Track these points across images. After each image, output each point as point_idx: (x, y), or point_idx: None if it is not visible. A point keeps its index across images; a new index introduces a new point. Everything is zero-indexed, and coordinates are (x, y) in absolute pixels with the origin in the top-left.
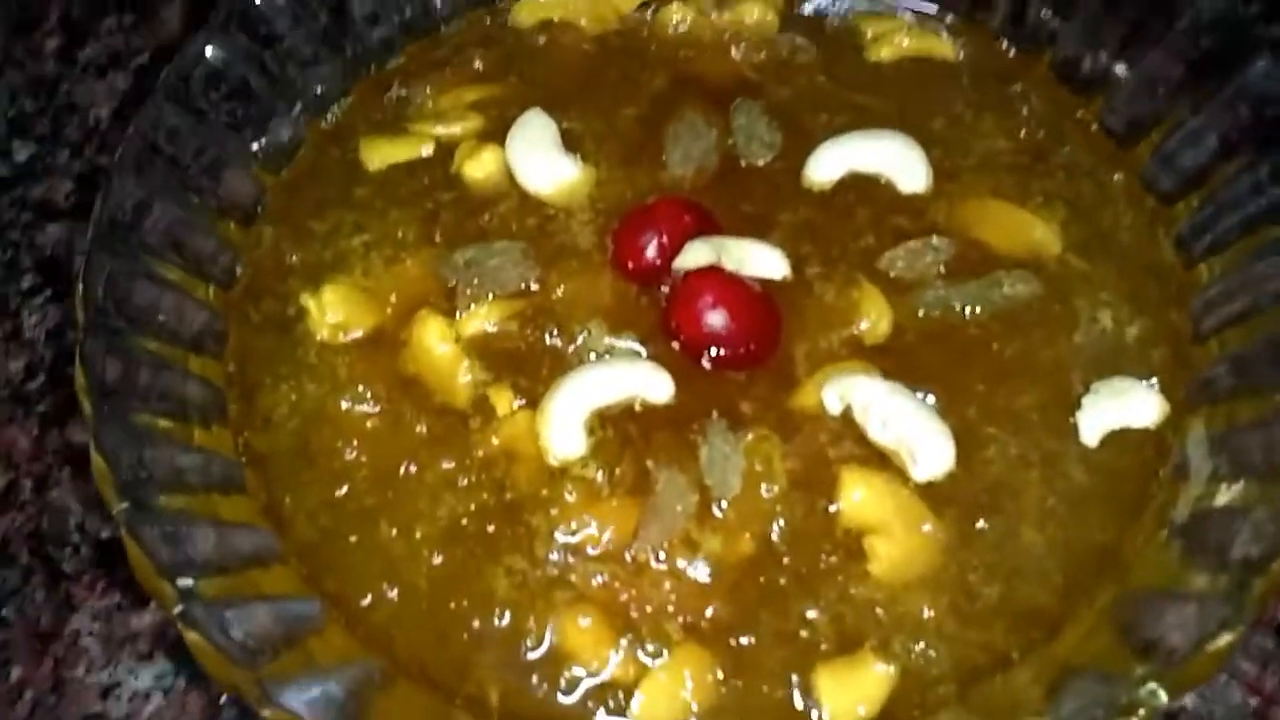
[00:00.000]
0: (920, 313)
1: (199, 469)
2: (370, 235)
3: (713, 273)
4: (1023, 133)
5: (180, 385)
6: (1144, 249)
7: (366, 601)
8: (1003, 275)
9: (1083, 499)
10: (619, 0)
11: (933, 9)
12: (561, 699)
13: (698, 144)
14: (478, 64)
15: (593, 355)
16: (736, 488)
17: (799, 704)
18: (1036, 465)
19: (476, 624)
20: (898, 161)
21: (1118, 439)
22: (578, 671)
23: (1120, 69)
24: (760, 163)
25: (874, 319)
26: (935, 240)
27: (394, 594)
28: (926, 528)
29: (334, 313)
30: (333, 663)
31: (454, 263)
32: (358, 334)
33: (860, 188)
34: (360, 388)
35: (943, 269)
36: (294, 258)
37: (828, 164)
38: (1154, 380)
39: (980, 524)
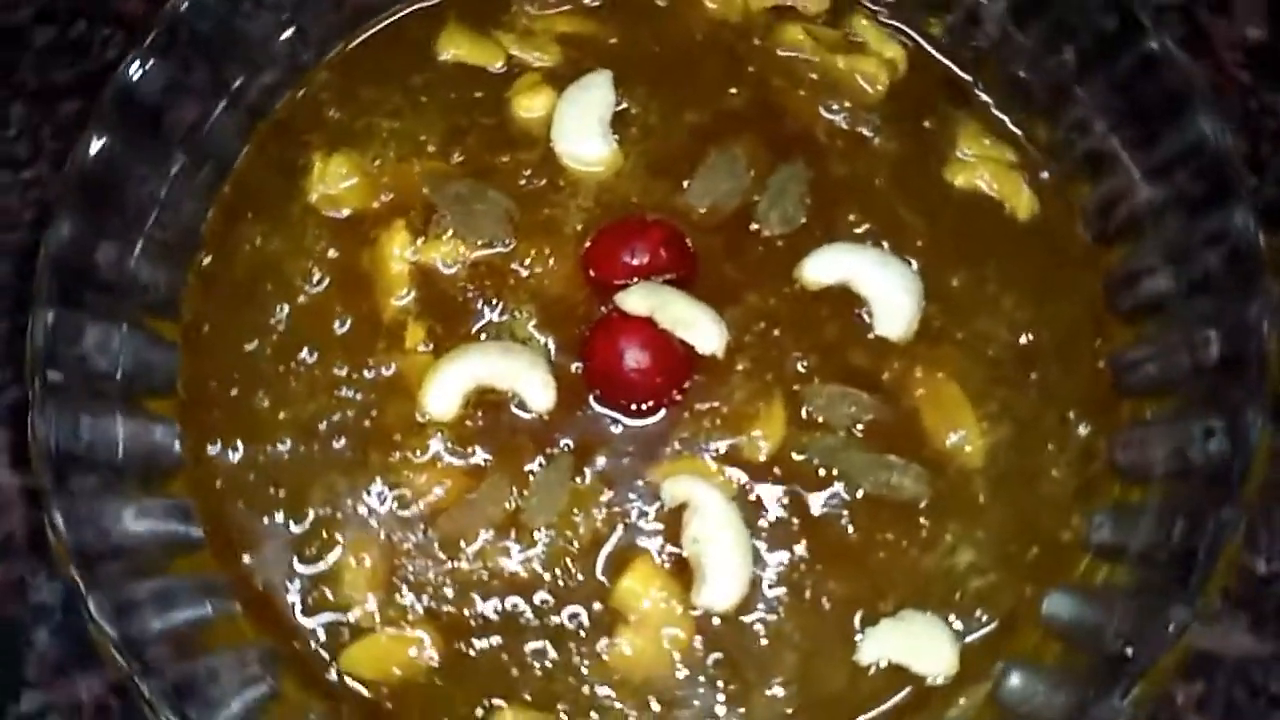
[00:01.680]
0: (803, 456)
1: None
2: (400, 125)
3: (641, 324)
4: (1027, 336)
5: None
6: (1048, 519)
7: (214, 449)
8: (898, 463)
9: (820, 707)
10: None
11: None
12: (302, 618)
13: (726, 185)
14: (591, 0)
15: (509, 337)
16: (543, 521)
17: None
18: (800, 652)
19: (279, 516)
20: (890, 301)
21: (890, 674)
22: (330, 600)
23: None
24: (769, 232)
25: (763, 440)
26: (865, 398)
27: (236, 455)
28: (675, 650)
29: (332, 183)
30: None
31: (448, 190)
32: (339, 213)
33: (840, 305)
34: (312, 262)
35: (857, 428)
36: (332, 112)
37: (826, 267)
38: (967, 640)
39: (715, 671)
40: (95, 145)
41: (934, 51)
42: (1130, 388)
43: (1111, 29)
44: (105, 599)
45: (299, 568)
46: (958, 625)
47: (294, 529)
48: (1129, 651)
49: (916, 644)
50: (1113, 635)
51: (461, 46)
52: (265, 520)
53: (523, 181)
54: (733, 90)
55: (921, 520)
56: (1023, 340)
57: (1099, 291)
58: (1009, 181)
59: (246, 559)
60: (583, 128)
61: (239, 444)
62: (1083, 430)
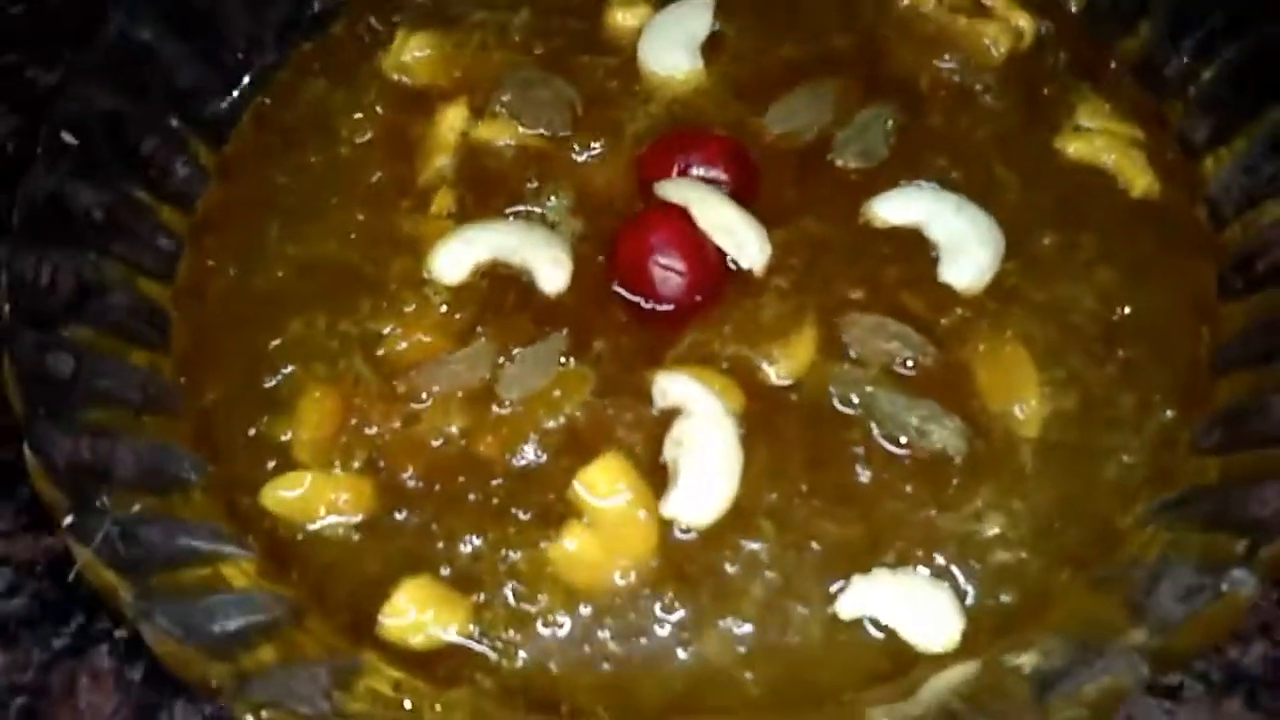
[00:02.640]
0: (830, 389)
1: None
2: (490, 15)
3: (678, 220)
4: (1121, 310)
5: None
6: (1104, 503)
7: (211, 263)
8: (934, 409)
9: (780, 654)
10: None
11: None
12: (250, 432)
13: (807, 114)
14: None
15: (539, 215)
16: (517, 394)
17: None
18: (770, 589)
19: (259, 337)
20: (962, 248)
21: (871, 635)
22: (274, 429)
23: None
24: (843, 164)
25: (785, 365)
26: (911, 334)
27: (231, 273)
28: (624, 560)
29: (410, 53)
30: None
31: (517, 75)
32: (409, 82)
33: (907, 248)
34: (365, 118)
35: (901, 366)
36: (421, 3)
37: (898, 207)
38: (976, 614)
39: (665, 588)
40: None
41: (1066, 26)
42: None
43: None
44: (39, 344)
45: (254, 389)
46: (969, 596)
47: (262, 351)
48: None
49: (912, 606)
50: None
51: None
52: (238, 341)
53: (596, 79)
54: (837, 30)
55: (951, 479)
56: (1115, 315)
57: (1212, 281)
58: (1128, 157)
59: (207, 374)
60: (672, 40)
61: (235, 267)
62: (1167, 414)
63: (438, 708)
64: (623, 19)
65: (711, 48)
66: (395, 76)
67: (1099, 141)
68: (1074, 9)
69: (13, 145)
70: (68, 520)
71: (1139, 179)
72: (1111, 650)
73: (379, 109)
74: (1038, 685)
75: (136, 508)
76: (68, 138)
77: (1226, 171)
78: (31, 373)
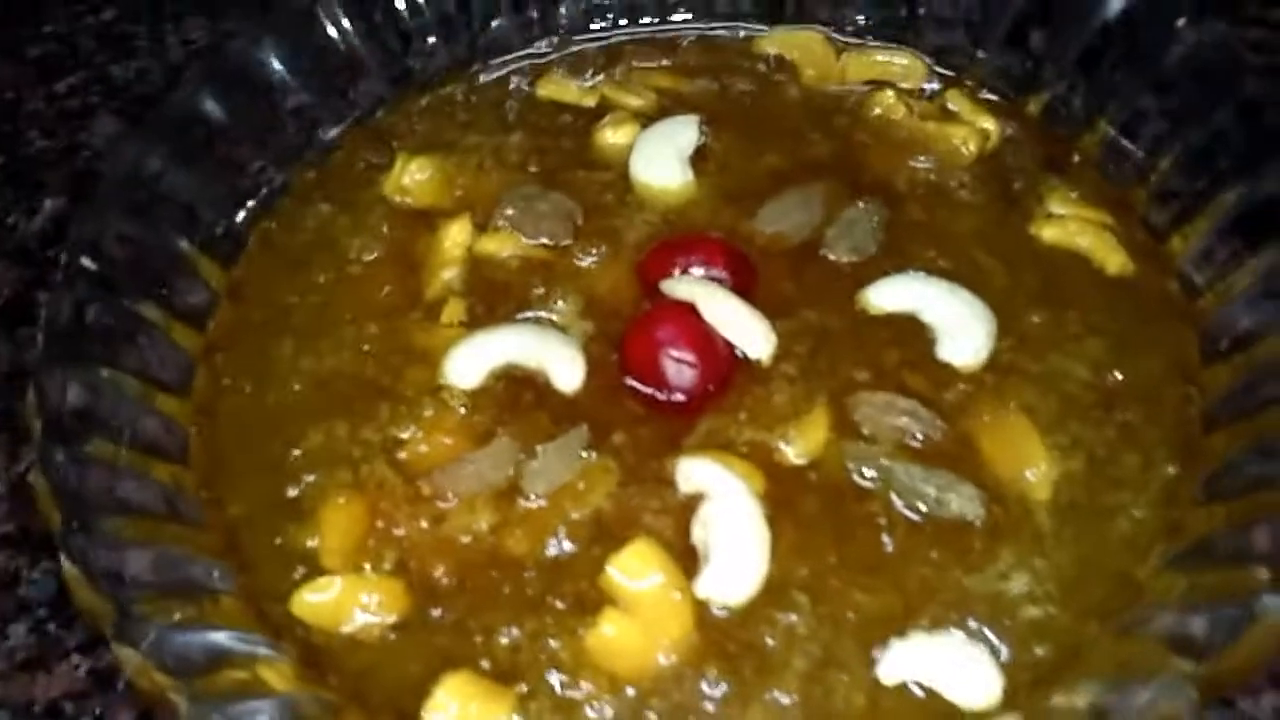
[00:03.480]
0: (848, 465)
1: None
2: (485, 139)
3: (686, 316)
4: (1113, 376)
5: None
6: (1120, 557)
7: (227, 382)
8: (950, 478)
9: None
10: (850, 67)
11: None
12: (276, 541)
13: (797, 216)
14: (693, 60)
15: (549, 319)
16: (543, 488)
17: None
18: (812, 660)
19: (273, 449)
20: (959, 329)
21: (915, 698)
22: (300, 537)
23: None
24: (835, 259)
25: (801, 445)
26: (921, 411)
27: (247, 390)
28: (663, 641)
29: (410, 176)
30: None
31: (517, 191)
32: (411, 203)
33: (904, 331)
34: (372, 238)
35: (912, 440)
36: (419, 127)
37: (893, 293)
38: (1012, 669)
39: (708, 667)
40: (202, 98)
41: (1027, 127)
42: (1223, 423)
43: (1210, 77)
44: (68, 461)
45: (279, 499)
46: (1004, 653)
47: (284, 461)
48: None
49: (952, 666)
50: None
51: (559, 91)
52: (258, 451)
53: (592, 193)
54: (815, 138)
55: (974, 543)
56: (1108, 382)
57: (1193, 346)
58: (1100, 239)
59: (228, 485)
60: (661, 155)
61: (250, 384)
62: (1169, 470)
63: None
64: (612, 137)
65: (699, 160)
66: (397, 198)
67: (1072, 226)
68: (1033, 110)
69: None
70: (113, 627)
71: (1112, 258)
72: (1160, 679)
73: (385, 228)
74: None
75: (177, 616)
76: (87, 263)
77: (1192, 248)
78: (64, 488)
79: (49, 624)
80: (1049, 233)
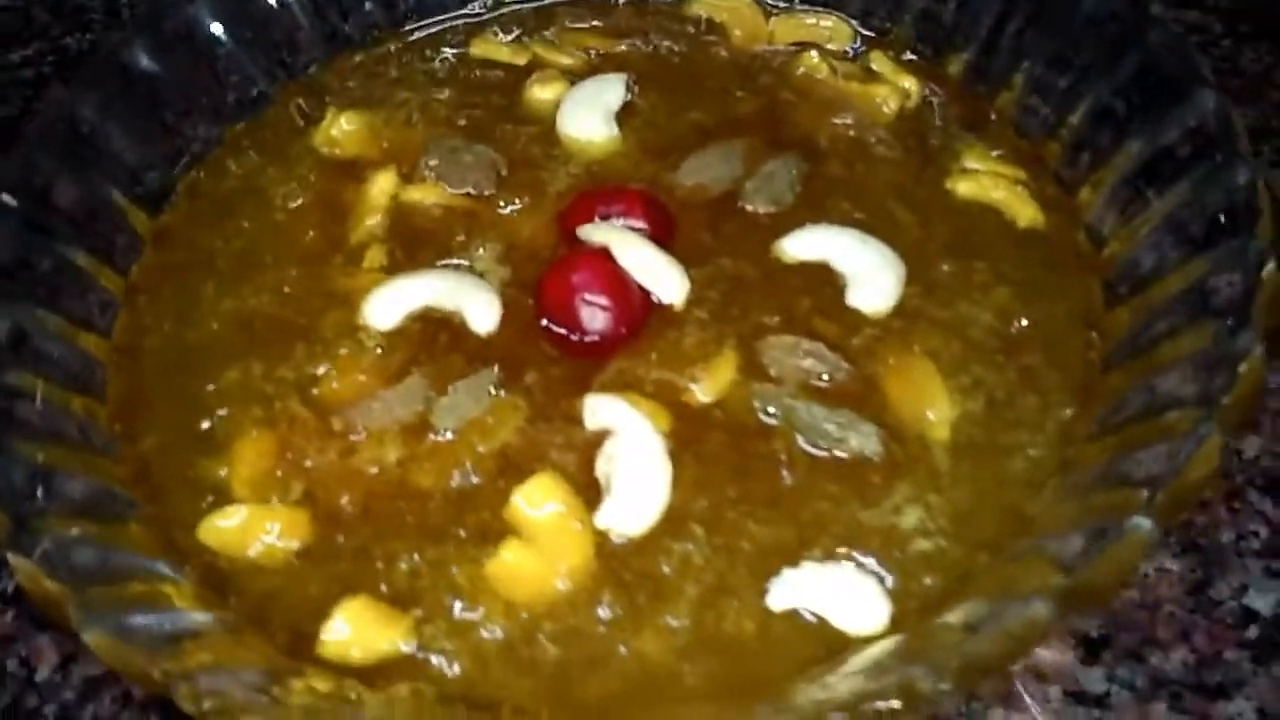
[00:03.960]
0: (753, 404)
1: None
2: (416, 95)
3: (601, 261)
4: (1018, 323)
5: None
6: (1014, 493)
7: (148, 320)
8: (850, 418)
9: (717, 647)
10: (778, 29)
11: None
12: (187, 473)
13: (717, 169)
14: (624, 22)
15: (468, 266)
16: (451, 424)
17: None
18: (704, 587)
19: (193, 385)
20: (868, 276)
21: (804, 625)
22: (210, 468)
23: None
24: (752, 209)
25: (708, 386)
26: (825, 351)
27: (165, 329)
28: (561, 568)
29: (339, 130)
30: None
31: (442, 143)
32: (339, 154)
33: (816, 280)
34: (298, 186)
35: (817, 381)
36: (351, 84)
37: (806, 243)
38: (900, 598)
39: (603, 593)
40: (147, 61)
41: (947, 87)
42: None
43: (1115, 33)
44: None
45: (191, 431)
46: (893, 583)
47: (197, 397)
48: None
49: (841, 594)
50: None
51: (491, 50)
52: (174, 387)
53: (518, 146)
54: (740, 95)
55: (871, 479)
56: (1013, 329)
57: (1098, 293)
58: (1013, 193)
59: (143, 420)
60: (588, 111)
61: (170, 324)
62: (1066, 412)
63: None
64: (540, 93)
65: (625, 116)
66: (326, 150)
67: (985, 180)
68: (953, 70)
69: None
70: (6, 533)
71: (1024, 211)
72: (1022, 594)
73: (311, 178)
74: (964, 632)
75: (75, 531)
76: (8, 199)
77: (1100, 200)
78: None
79: None
80: (963, 187)
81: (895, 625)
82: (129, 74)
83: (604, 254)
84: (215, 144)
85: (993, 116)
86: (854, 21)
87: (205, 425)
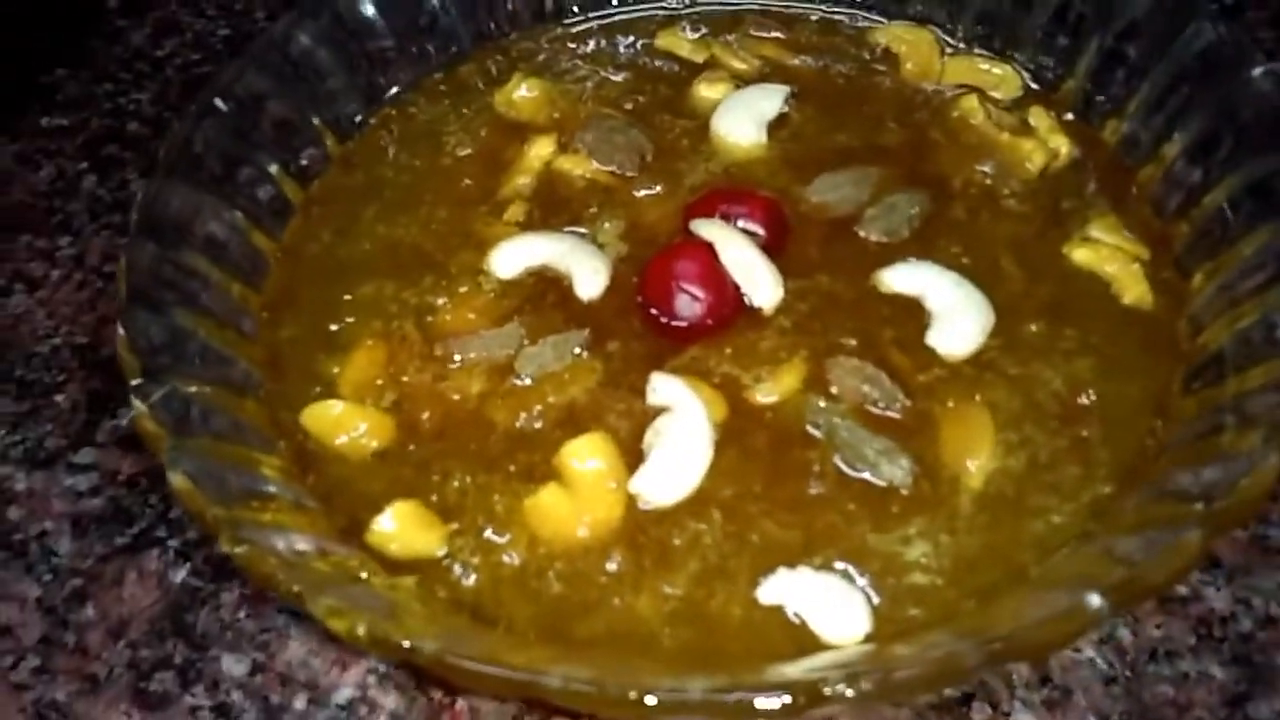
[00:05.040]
0: (805, 418)
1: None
2: (595, 72)
3: (706, 255)
4: (1087, 396)
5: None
6: (1025, 554)
7: (314, 230)
8: (889, 447)
9: (700, 620)
10: (949, 69)
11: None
12: (309, 365)
13: (847, 190)
14: (805, 37)
15: (591, 235)
16: (531, 371)
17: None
18: (706, 566)
19: (336, 292)
20: (954, 318)
21: (786, 621)
22: (328, 365)
23: None
24: (866, 235)
25: (770, 388)
26: (885, 381)
27: (325, 240)
28: (586, 518)
29: (519, 93)
30: None
31: (602, 121)
32: (510, 114)
33: (905, 312)
34: (469, 138)
35: (873, 407)
36: (542, 56)
37: (905, 276)
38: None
39: (616, 549)
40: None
41: (1099, 154)
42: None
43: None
44: (156, 257)
45: (320, 331)
46: (880, 605)
47: (336, 303)
48: None
49: (827, 602)
50: None
51: (675, 44)
52: (319, 290)
53: (670, 135)
54: (891, 127)
55: (892, 508)
56: (1080, 399)
57: (1177, 382)
58: (1128, 270)
59: (287, 312)
60: (744, 115)
61: (331, 235)
62: (1106, 489)
63: (386, 591)
64: (706, 91)
65: (776, 126)
66: (503, 109)
67: (1104, 251)
68: (1108, 137)
69: None
70: (135, 381)
71: (1132, 288)
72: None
73: (483, 133)
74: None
75: (194, 388)
76: (220, 103)
77: (1211, 288)
78: (139, 273)
79: None
80: (1080, 254)
81: (868, 642)
82: (348, 14)
83: (708, 248)
84: (411, 88)
85: (1134, 190)
86: (1025, 74)
87: (333, 328)
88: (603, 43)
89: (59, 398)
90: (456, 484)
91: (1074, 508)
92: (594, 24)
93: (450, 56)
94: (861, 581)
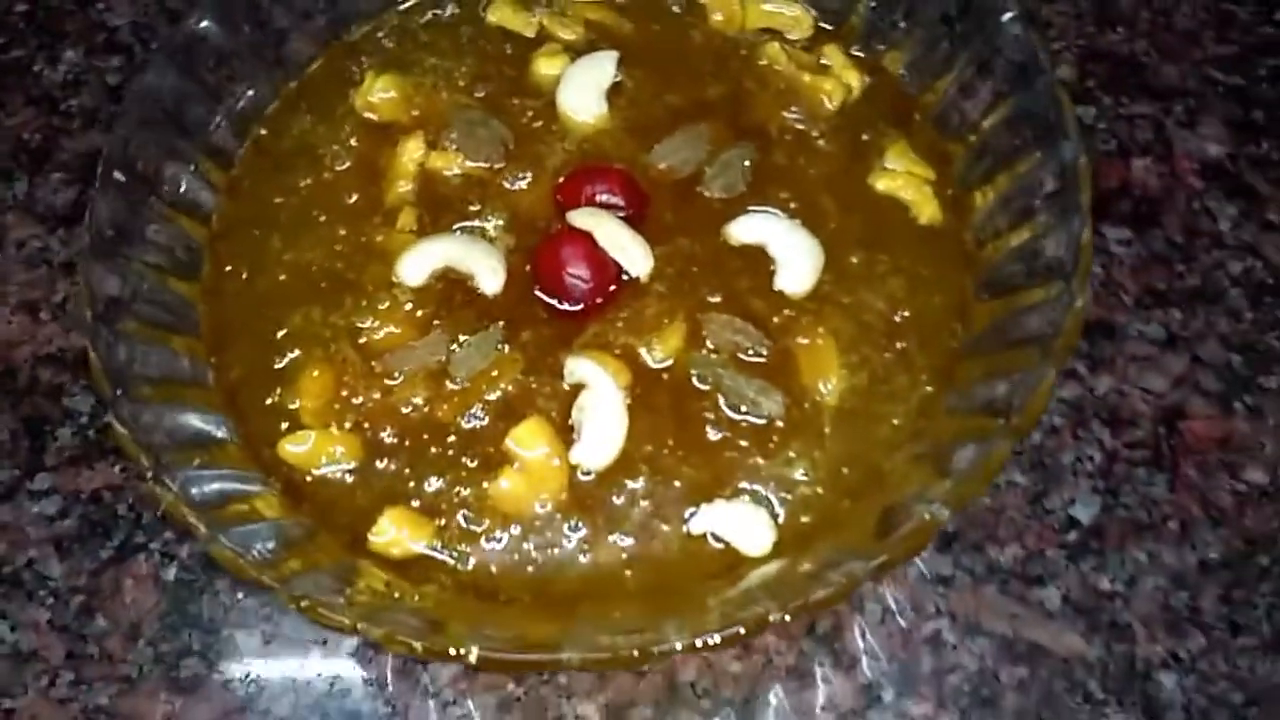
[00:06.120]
0: (692, 372)
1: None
2: (441, 62)
3: (584, 239)
4: (901, 314)
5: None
6: (876, 453)
7: (229, 269)
8: (765, 387)
9: (651, 559)
10: (751, 15)
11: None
12: (267, 401)
13: (685, 153)
14: None
15: (480, 235)
16: (464, 373)
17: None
18: (644, 513)
19: (268, 326)
20: (794, 263)
21: (714, 545)
22: (283, 395)
23: None
24: (709, 194)
25: (659, 349)
26: (752, 330)
27: (244, 276)
28: (543, 494)
29: (376, 95)
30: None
31: (462, 115)
32: (376, 118)
33: (754, 262)
34: (342, 149)
35: (741, 355)
36: (390, 44)
37: (748, 228)
38: (785, 530)
39: (570, 514)
40: (205, 23)
41: (886, 83)
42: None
43: (1016, 68)
44: (107, 334)
45: (267, 367)
46: (781, 518)
47: (272, 339)
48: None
49: (742, 525)
50: None
51: (505, 14)
52: (252, 329)
53: (524, 120)
54: (712, 84)
55: (773, 437)
56: (896, 317)
57: (970, 289)
58: (920, 192)
59: (230, 355)
60: (584, 89)
61: (247, 270)
62: (927, 389)
63: (417, 598)
64: (545, 68)
65: (613, 94)
66: (365, 114)
67: (900, 179)
68: (891, 66)
69: (31, 136)
70: (151, 474)
71: (926, 209)
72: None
73: (353, 141)
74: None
75: (196, 462)
76: (119, 176)
77: (990, 204)
78: (111, 365)
79: (89, 430)
80: (881, 184)
81: (777, 549)
82: (197, 43)
83: (587, 236)
84: (268, 103)
85: (917, 116)
86: (813, 12)
87: (279, 364)
88: (438, 24)
89: None
90: (428, 486)
91: (906, 409)
92: (425, 5)
93: (299, 60)
94: (764, 500)
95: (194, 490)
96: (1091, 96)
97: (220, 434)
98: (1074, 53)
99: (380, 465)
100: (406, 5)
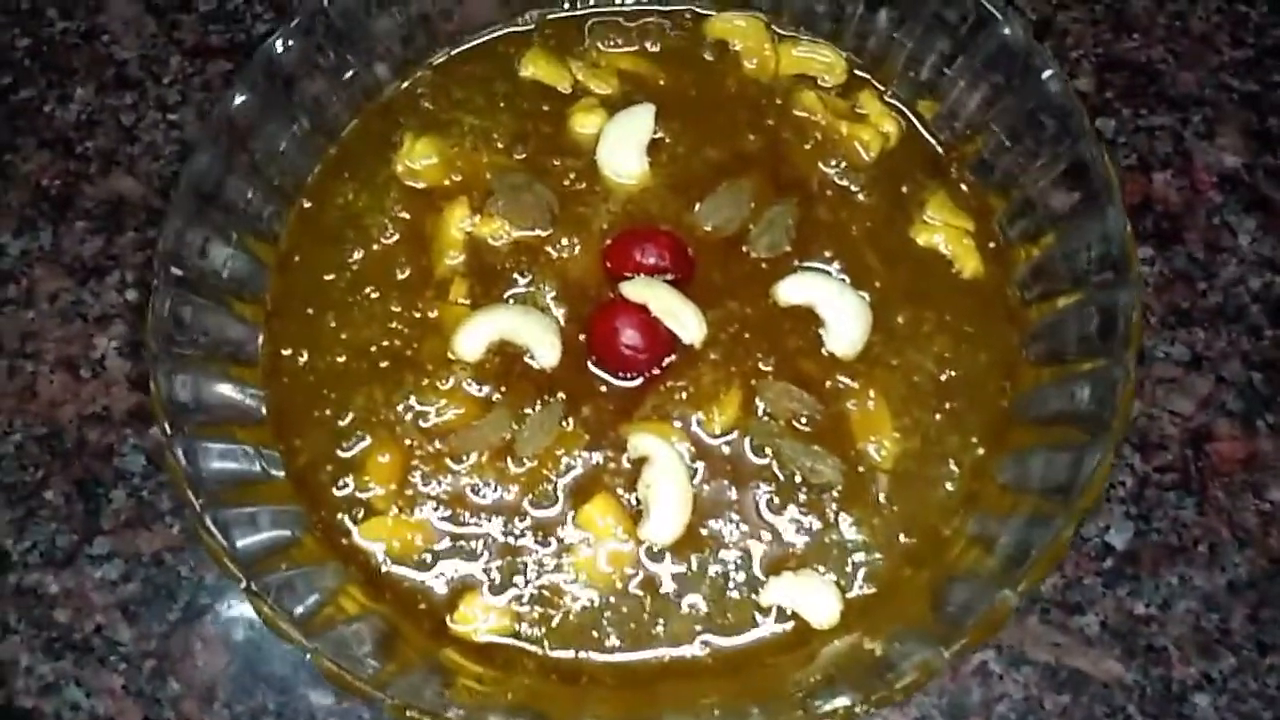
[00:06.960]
0: (749, 439)
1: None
2: (479, 122)
3: (638, 309)
4: (949, 373)
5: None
6: (933, 517)
7: (287, 352)
8: (821, 453)
9: (723, 631)
10: (784, 61)
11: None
12: (335, 490)
13: (729, 212)
14: (653, 45)
15: (532, 304)
16: (530, 452)
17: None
18: (714, 587)
19: (328, 411)
20: (842, 325)
21: (780, 615)
22: (354, 482)
23: None
24: (756, 255)
25: (717, 421)
26: (806, 397)
27: (302, 359)
28: (615, 571)
29: (415, 159)
30: None
31: (506, 179)
32: (418, 185)
33: (803, 323)
34: (388, 219)
35: (796, 421)
36: (426, 104)
37: (796, 289)
38: (849, 599)
39: (643, 588)
40: (238, 100)
41: (922, 130)
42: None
43: (1053, 131)
44: (182, 443)
45: (336, 454)
46: (844, 588)
47: (337, 424)
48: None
49: (809, 596)
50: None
51: (540, 68)
52: (316, 413)
53: (567, 182)
54: (750, 136)
55: (831, 505)
56: (943, 376)
57: (1016, 343)
58: (962, 245)
59: (296, 441)
60: (624, 147)
61: (305, 351)
62: (979, 451)
63: (510, 695)
64: (583, 125)
65: (652, 149)
66: (407, 181)
67: (941, 232)
68: (926, 114)
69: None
70: (244, 585)
71: (969, 262)
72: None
73: (399, 210)
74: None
75: (284, 567)
76: (176, 271)
77: (1035, 261)
78: (191, 478)
79: (142, 491)
80: (923, 237)
81: (844, 620)
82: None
83: (640, 308)
84: (309, 172)
85: (953, 168)
86: (845, 55)
87: (347, 451)
88: (469, 78)
89: (48, 494)
90: (503, 569)
91: (960, 473)
92: (453, 61)
93: (335, 126)
94: (827, 572)
95: (283, 597)
96: (1111, 109)
97: (297, 532)
98: (1091, 62)
99: (455, 549)
100: (440, 62)
